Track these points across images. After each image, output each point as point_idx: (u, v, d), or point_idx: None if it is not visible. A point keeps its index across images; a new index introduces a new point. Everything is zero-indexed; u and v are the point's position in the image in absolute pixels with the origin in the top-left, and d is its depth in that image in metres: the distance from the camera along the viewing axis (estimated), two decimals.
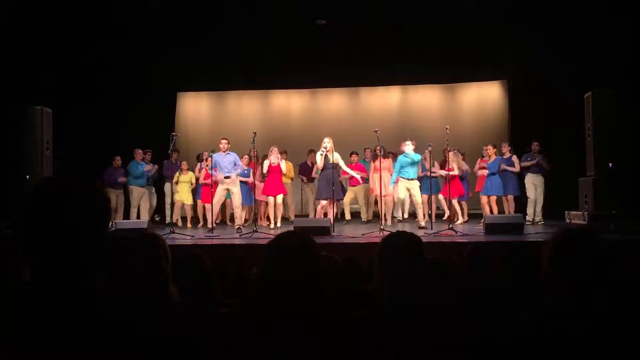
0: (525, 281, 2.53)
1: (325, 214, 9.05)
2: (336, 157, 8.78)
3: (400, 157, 9.32)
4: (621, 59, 9.35)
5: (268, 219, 10.35)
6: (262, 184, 10.38)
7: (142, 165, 10.46)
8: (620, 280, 1.89)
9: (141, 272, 2.07)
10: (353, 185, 10.35)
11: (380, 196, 8.98)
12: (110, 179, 10.26)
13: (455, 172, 9.96)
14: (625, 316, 1.75)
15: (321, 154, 8.67)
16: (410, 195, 9.47)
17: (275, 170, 9.73)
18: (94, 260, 1.26)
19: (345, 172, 9.63)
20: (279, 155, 9.87)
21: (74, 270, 1.22)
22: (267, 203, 10.26)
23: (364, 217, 10.50)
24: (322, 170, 8.76)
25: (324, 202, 8.85)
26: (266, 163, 9.73)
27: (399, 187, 9.28)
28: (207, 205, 10.13)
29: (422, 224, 9.16)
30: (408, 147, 9.29)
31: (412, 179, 9.22)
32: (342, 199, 9.96)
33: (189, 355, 1.74)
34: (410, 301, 1.99)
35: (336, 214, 10.34)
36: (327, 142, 8.68)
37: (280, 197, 9.78)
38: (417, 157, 9.30)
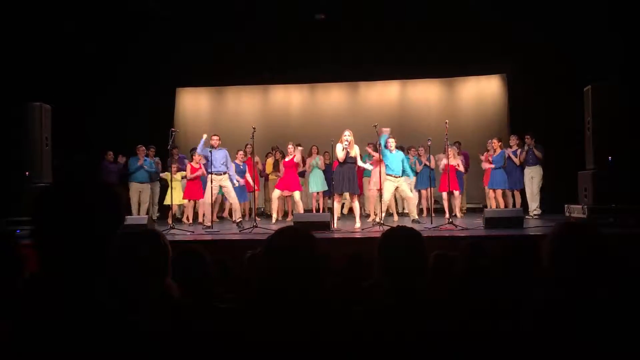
0: (524, 275, 2.54)
1: (326, 209, 9.02)
2: (356, 151, 8.43)
3: (384, 151, 8.99)
4: (621, 52, 9.33)
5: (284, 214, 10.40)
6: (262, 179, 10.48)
7: (145, 161, 10.45)
8: (619, 274, 1.89)
9: (141, 269, 2.07)
10: None
11: (380, 190, 8.89)
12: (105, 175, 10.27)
13: (462, 168, 10.01)
14: (625, 309, 1.76)
15: (343, 148, 8.29)
16: (400, 192, 9.28)
17: (290, 165, 9.75)
18: (103, 259, 1.27)
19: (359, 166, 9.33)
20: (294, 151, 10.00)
21: (83, 268, 1.23)
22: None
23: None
24: (342, 164, 8.36)
25: (337, 197, 8.51)
26: (297, 156, 9.93)
27: (386, 188, 8.83)
28: (189, 203, 10.28)
29: (415, 216, 9.13)
30: (391, 144, 9.03)
31: (399, 176, 8.94)
32: (359, 193, 9.38)
33: (189, 351, 1.75)
34: (410, 295, 2.00)
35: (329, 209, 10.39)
36: (348, 136, 8.27)
37: (297, 194, 9.77)
38: (400, 155, 9.09)
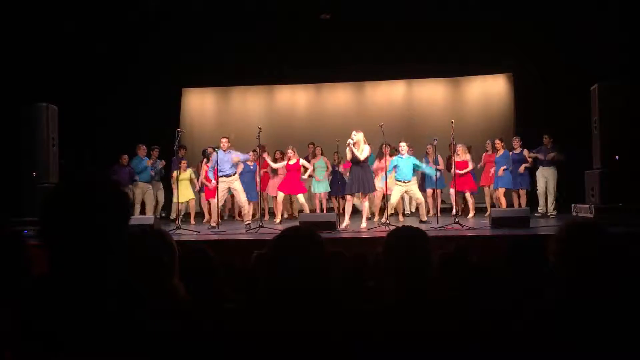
0: (530, 274, 2.53)
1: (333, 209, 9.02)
2: (364, 150, 8.25)
3: (396, 158, 9.12)
4: (628, 51, 9.29)
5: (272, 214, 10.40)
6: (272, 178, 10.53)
7: (144, 161, 10.48)
8: (625, 273, 1.89)
9: (148, 269, 2.07)
10: None
11: (385, 192, 8.86)
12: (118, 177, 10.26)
13: (470, 166, 10.00)
14: (630, 310, 1.75)
15: (348, 145, 8.17)
16: (409, 197, 9.38)
17: (293, 168, 9.77)
18: (111, 258, 1.27)
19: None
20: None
21: (91, 267, 1.23)
22: (275, 198, 10.33)
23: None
24: (354, 164, 8.27)
25: (349, 197, 8.45)
26: (281, 164, 9.97)
27: (394, 191, 8.92)
28: (212, 201, 10.16)
29: (424, 218, 9.16)
30: (403, 148, 9.12)
31: (408, 181, 9.02)
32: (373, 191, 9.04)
33: (195, 351, 1.75)
34: (416, 295, 2.00)
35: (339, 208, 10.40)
36: (354, 135, 8.18)
37: (301, 197, 9.76)
38: (411, 160, 9.17)
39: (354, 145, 8.14)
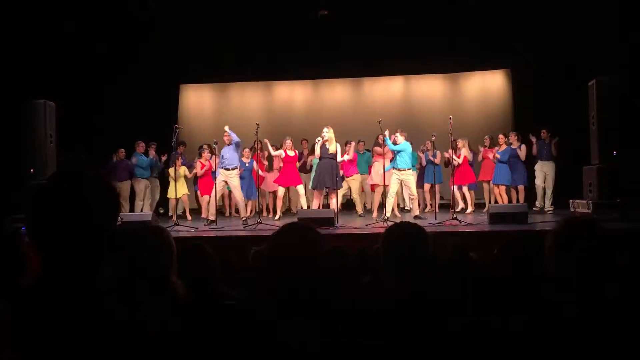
0: (529, 272, 2.53)
1: (327, 205, 9.02)
2: (336, 147, 8.62)
3: (405, 142, 9.08)
4: (626, 47, 9.28)
5: (274, 210, 10.38)
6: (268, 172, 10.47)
7: (142, 157, 10.44)
8: (623, 270, 1.89)
9: (145, 266, 2.07)
10: (347, 177, 10.10)
11: (384, 185, 8.86)
12: (114, 172, 10.22)
13: (461, 159, 9.99)
14: (630, 307, 1.75)
15: (316, 142, 8.65)
16: (404, 187, 9.40)
17: (290, 160, 9.73)
18: (103, 255, 1.26)
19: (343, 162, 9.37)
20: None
21: (84, 265, 1.23)
22: (273, 194, 10.29)
23: (359, 209, 10.32)
24: (320, 159, 8.63)
25: (317, 192, 8.68)
26: (279, 152, 9.80)
27: (392, 180, 8.86)
28: (206, 198, 10.13)
29: (417, 213, 9.17)
30: (398, 139, 9.08)
31: (406, 169, 8.94)
32: (340, 188, 9.32)
33: (195, 348, 1.75)
34: (415, 293, 1.99)
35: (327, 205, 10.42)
36: (325, 132, 8.61)
37: (301, 188, 9.72)
38: (407, 146, 9.12)
39: (325, 142, 8.53)
